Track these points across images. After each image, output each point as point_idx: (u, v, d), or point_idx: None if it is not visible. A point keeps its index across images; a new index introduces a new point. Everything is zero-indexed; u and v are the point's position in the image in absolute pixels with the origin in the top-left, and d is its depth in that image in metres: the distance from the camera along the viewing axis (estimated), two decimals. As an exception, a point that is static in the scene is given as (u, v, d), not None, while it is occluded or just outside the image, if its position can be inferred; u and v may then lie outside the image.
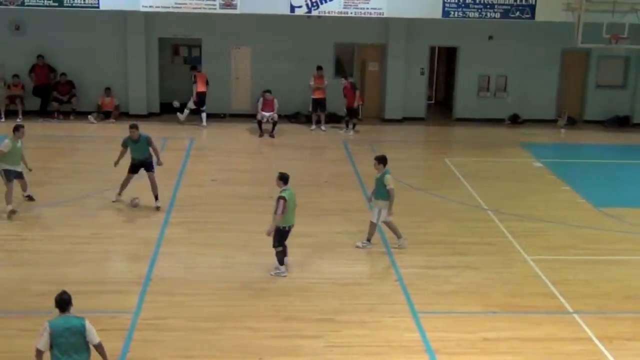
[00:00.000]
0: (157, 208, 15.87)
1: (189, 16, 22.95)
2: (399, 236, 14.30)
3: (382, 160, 14.13)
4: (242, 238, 14.73)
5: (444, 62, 27.79)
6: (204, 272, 13.28)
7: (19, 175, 15.72)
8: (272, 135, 22.60)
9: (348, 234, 14.92)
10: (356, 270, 13.39)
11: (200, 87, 23.34)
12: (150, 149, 15.97)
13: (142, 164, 16.00)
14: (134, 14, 23.18)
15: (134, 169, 16.09)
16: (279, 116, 22.99)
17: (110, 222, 15.31)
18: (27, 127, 22.24)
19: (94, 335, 8.66)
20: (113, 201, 16.20)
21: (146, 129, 22.63)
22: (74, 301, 11.96)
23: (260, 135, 22.65)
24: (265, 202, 16.76)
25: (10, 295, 11.99)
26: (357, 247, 14.24)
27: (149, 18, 23.67)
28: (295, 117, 24.42)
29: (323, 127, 23.64)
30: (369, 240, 14.30)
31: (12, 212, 15.26)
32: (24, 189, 16.09)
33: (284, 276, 12.98)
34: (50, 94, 23.82)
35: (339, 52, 25.06)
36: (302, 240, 14.50)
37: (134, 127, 15.92)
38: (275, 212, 12.68)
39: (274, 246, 12.97)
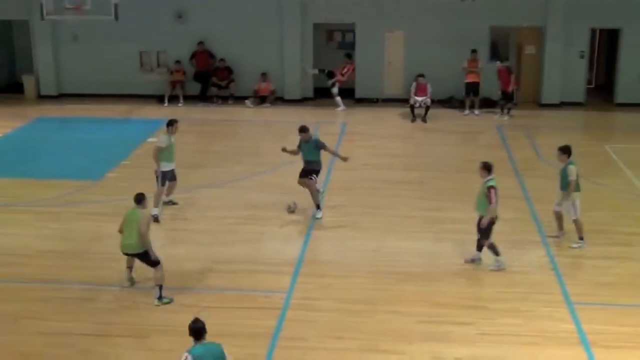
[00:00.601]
0: (317, 218, 14.97)
1: (343, 1, 23.10)
2: (560, 228, 13.81)
3: (565, 150, 13.55)
4: (393, 222, 14.73)
5: (605, 44, 26.59)
6: (355, 255, 13.39)
7: (173, 177, 15.17)
8: (424, 120, 22.43)
9: (501, 221, 14.50)
10: (510, 258, 13.03)
11: (344, 77, 23.88)
12: (322, 152, 15.06)
13: (310, 168, 15.04)
14: (289, 0, 23.59)
15: (304, 173, 15.10)
16: (432, 101, 22.76)
17: (265, 204, 15.65)
18: (187, 111, 23.45)
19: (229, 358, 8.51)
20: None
21: (300, 113, 23.32)
22: (229, 280, 12.48)
23: (413, 120, 22.52)
24: (416, 187, 16.76)
25: (171, 272, 12.51)
26: (573, 247, 13.56)
27: (304, 4, 24.02)
28: (448, 102, 24.11)
29: (476, 112, 23.23)
30: (581, 238, 13.61)
31: (156, 218, 14.44)
32: (170, 192, 15.35)
33: (504, 268, 12.66)
34: (209, 80, 24.63)
35: (494, 35, 24.49)
36: (455, 227, 14.36)
37: (302, 130, 14.96)
38: (490, 203, 12.35)
39: (485, 239, 12.66)
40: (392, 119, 22.99)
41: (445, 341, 10.61)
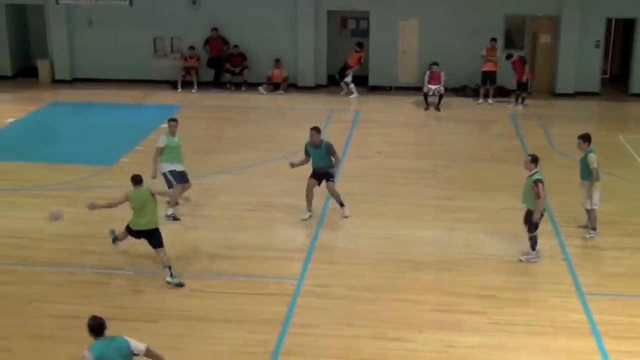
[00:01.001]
0: (345, 217, 14.40)
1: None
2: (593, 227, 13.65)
3: (586, 138, 13.43)
4: (405, 211, 14.73)
5: (621, 34, 26.41)
6: (366, 243, 13.40)
7: (183, 178, 14.24)
8: (437, 109, 22.37)
9: (513, 210, 14.46)
10: (521, 247, 13.00)
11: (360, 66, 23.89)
12: (332, 158, 14.20)
13: (324, 173, 14.29)
14: (303, -14, 23.66)
15: (315, 175, 14.36)
16: (446, 89, 22.70)
17: (277, 190, 15.68)
18: (201, 97, 23.49)
19: (138, 346, 8.04)
20: (304, 219, 14.27)
21: (313, 100, 23.31)
22: (241, 266, 12.51)
23: (426, 109, 22.46)
24: (429, 175, 16.74)
25: (183, 257, 12.58)
26: (586, 238, 13.47)
27: (318, -10, 24.04)
28: (461, 91, 24.03)
29: (490, 101, 23.13)
30: (594, 229, 13.51)
31: (175, 217, 14.14)
32: (180, 194, 14.11)
33: (535, 262, 12.60)
34: (223, 66, 24.62)
35: (509, 23, 24.36)
36: (466, 216, 14.38)
37: (315, 129, 14.04)
38: (538, 197, 12.22)
39: (531, 232, 12.58)
40: (405, 107, 22.93)
41: (456, 330, 10.62)
